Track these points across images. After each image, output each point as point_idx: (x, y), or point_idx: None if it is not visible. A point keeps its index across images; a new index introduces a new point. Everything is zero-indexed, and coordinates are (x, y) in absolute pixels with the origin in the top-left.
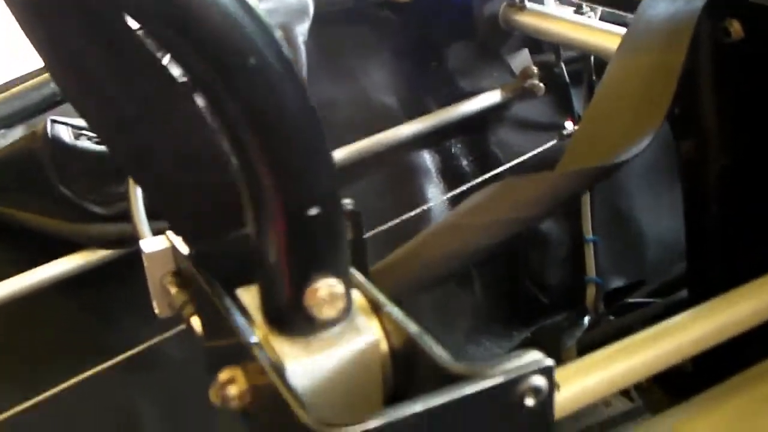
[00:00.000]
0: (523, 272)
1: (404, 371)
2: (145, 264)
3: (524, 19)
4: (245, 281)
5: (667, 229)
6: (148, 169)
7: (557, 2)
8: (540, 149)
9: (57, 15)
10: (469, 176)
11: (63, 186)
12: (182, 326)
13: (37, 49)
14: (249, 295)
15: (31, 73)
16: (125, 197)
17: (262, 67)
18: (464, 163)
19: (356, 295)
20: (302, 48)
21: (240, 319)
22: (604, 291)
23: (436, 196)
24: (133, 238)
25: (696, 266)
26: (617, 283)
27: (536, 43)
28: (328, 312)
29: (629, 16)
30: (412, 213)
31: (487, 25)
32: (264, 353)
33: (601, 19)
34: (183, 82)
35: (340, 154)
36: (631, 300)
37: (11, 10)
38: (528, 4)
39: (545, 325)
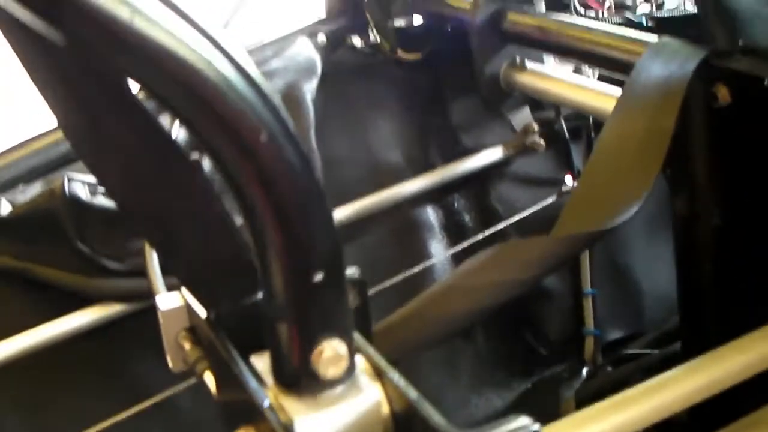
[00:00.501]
0: (524, 324)
1: None
2: (161, 320)
3: (524, 79)
4: (259, 344)
5: (664, 282)
6: (159, 231)
7: (557, 62)
8: (539, 206)
9: (71, 79)
10: (471, 231)
11: (79, 241)
12: (194, 379)
13: (51, 108)
14: (261, 360)
15: (49, 131)
16: (139, 253)
17: (273, 144)
18: (466, 218)
19: (361, 359)
20: (310, 105)
21: (253, 383)
22: (602, 342)
23: (438, 251)
24: (147, 293)
25: (689, 320)
26: (615, 334)
27: (537, 100)
28: (332, 371)
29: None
30: (416, 269)
31: (489, 84)
32: (275, 415)
33: (599, 78)
34: (195, 159)
35: (346, 211)
36: (628, 351)
37: (27, 70)
38: (528, 64)
39: (545, 376)
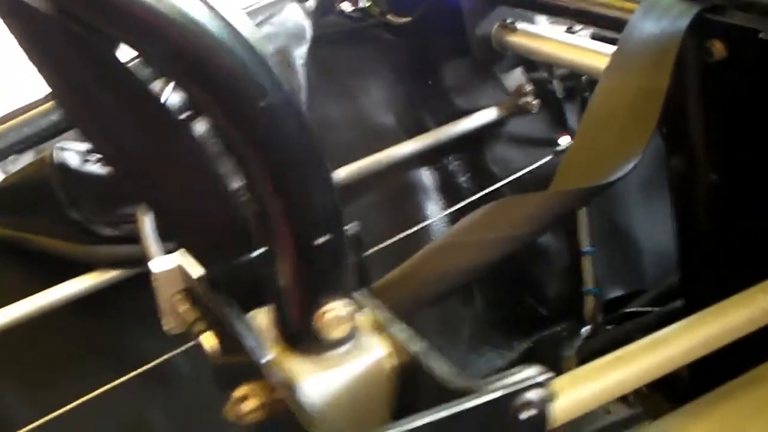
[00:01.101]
0: (523, 284)
1: (409, 387)
2: (154, 283)
3: (516, 39)
4: (257, 301)
5: (663, 240)
6: (154, 195)
7: (549, 21)
8: (535, 165)
9: (61, 49)
10: (466, 193)
11: (72, 209)
12: (191, 343)
13: (44, 77)
14: (262, 317)
15: (39, 100)
16: (134, 219)
17: (272, 109)
18: (461, 179)
19: (363, 315)
20: (301, 70)
21: (252, 340)
22: (601, 301)
23: (434, 212)
24: (142, 259)
25: (688, 277)
26: (614, 293)
27: (530, 60)
28: (335, 333)
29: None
30: (412, 230)
31: (481, 45)
32: (275, 372)
33: (593, 37)
34: (183, 119)
35: (340, 174)
36: (628, 310)
37: (18, 40)
38: (519, 25)
39: (545, 335)
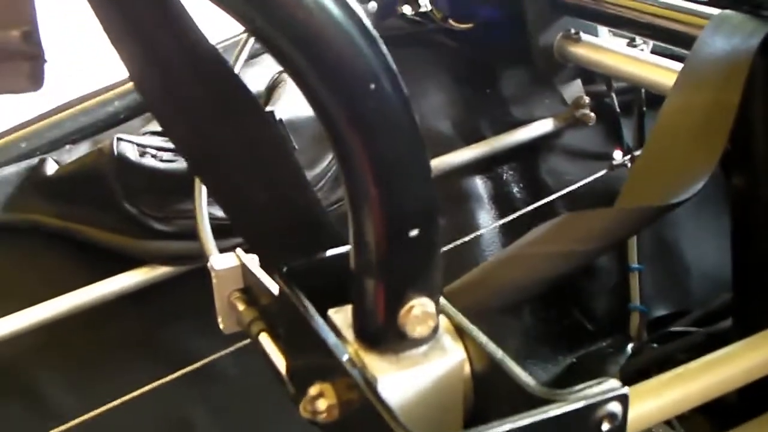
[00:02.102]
0: (570, 299)
1: (485, 392)
2: (214, 281)
3: (579, 50)
4: (332, 300)
5: (712, 260)
6: (228, 186)
7: (611, 34)
8: (590, 179)
9: (148, 36)
10: (519, 203)
11: (127, 203)
12: (242, 342)
13: (123, 57)
14: (339, 316)
15: (96, 90)
16: (187, 215)
17: (381, 93)
18: (515, 190)
19: (442, 318)
20: None
21: (332, 338)
22: (647, 319)
23: (486, 222)
24: (195, 255)
25: (742, 298)
26: (661, 311)
27: (588, 73)
28: (420, 330)
29: (682, 51)
30: (464, 239)
31: (543, 55)
32: (357, 370)
33: (652, 52)
34: (269, 111)
35: None
36: (674, 329)
37: (100, 19)
38: (583, 36)
39: (590, 351)
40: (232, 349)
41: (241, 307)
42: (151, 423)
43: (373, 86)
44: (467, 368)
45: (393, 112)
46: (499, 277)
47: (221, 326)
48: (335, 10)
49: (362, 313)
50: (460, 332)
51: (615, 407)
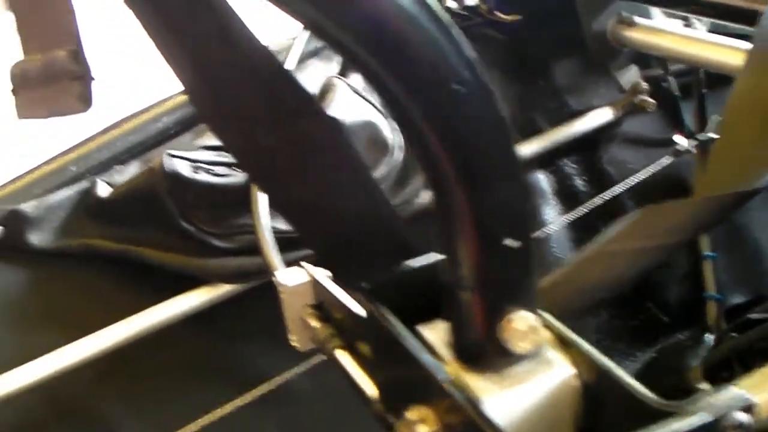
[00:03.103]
0: (643, 292)
1: (595, 406)
2: (283, 298)
3: (634, 34)
4: (417, 314)
5: None
6: (299, 202)
7: (665, 16)
8: (654, 166)
9: (199, 35)
10: (584, 195)
11: (183, 220)
12: (313, 360)
13: (174, 68)
14: (432, 332)
15: (143, 109)
16: (246, 230)
17: (467, 93)
18: (578, 182)
19: (544, 330)
20: None
21: (428, 357)
22: (724, 307)
23: (552, 216)
24: (257, 272)
25: None
26: (737, 299)
27: (642, 57)
28: (523, 345)
29: (740, 27)
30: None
31: (597, 41)
32: (459, 391)
33: (709, 30)
34: (336, 118)
35: None
36: (752, 316)
37: (149, 30)
38: (636, 19)
39: (668, 344)
40: (302, 367)
41: (314, 323)
42: None
43: (455, 86)
44: (576, 382)
45: (480, 112)
46: (581, 277)
47: (295, 344)
48: (410, 5)
49: (460, 329)
50: (564, 343)
51: (742, 417)
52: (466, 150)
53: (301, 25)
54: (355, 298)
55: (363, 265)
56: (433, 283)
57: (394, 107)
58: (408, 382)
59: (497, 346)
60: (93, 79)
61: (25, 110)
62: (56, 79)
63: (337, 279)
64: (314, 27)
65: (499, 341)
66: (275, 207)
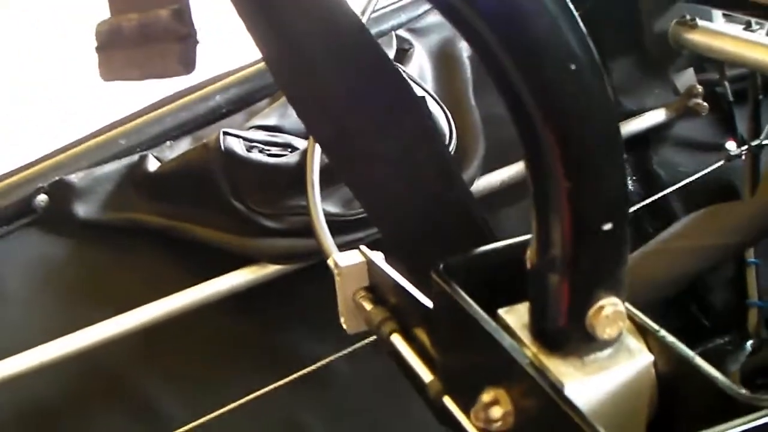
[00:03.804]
0: (687, 294)
1: (672, 395)
2: (337, 279)
3: (695, 37)
4: (494, 298)
5: None
6: (374, 183)
7: (725, 20)
8: (705, 171)
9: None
10: (633, 196)
11: (235, 199)
12: (358, 344)
13: (260, 45)
14: (512, 316)
15: (197, 84)
16: (297, 211)
17: (581, 73)
18: (629, 182)
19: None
20: (467, 63)
21: (507, 339)
22: (765, 314)
23: None
24: (305, 253)
25: None
26: None
27: (699, 61)
28: (610, 331)
29: None
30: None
31: (657, 42)
32: (540, 374)
33: None
34: (420, 96)
35: (507, 172)
36: None
37: (235, 5)
38: (698, 22)
39: (708, 348)
40: (345, 352)
41: (368, 306)
42: (264, 429)
43: (573, 66)
44: (655, 371)
45: (593, 96)
46: (641, 273)
47: (345, 326)
48: None
49: (544, 313)
50: (643, 331)
51: None
52: (573, 131)
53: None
54: (424, 282)
55: (437, 247)
56: (508, 268)
57: (500, 82)
58: (482, 366)
59: (582, 331)
60: (198, 41)
61: (112, 71)
62: (156, 39)
63: (406, 261)
64: None
65: (585, 327)
66: (349, 185)
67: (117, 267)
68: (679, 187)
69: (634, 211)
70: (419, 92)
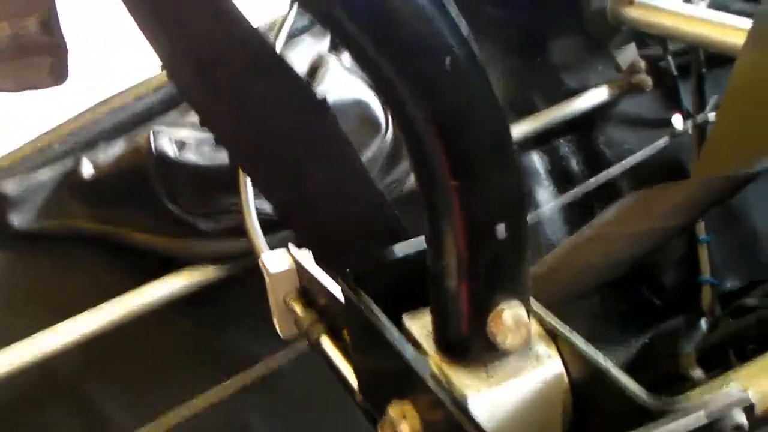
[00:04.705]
0: (637, 275)
1: (585, 405)
2: (268, 282)
3: (634, 12)
4: (403, 303)
5: None
6: (283, 186)
7: None
8: (651, 147)
9: (183, 18)
10: (578, 176)
11: (169, 201)
12: (301, 344)
13: (156, 51)
14: (416, 323)
15: (128, 88)
16: (232, 210)
17: (457, 66)
18: (573, 163)
19: (532, 321)
20: None
21: (410, 350)
22: (719, 292)
23: (546, 199)
24: (244, 254)
25: None
26: (733, 283)
27: (641, 35)
28: (512, 339)
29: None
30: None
31: (596, 19)
32: (442, 387)
33: (709, 7)
34: (323, 98)
35: None
36: (747, 301)
37: (128, 8)
38: None
39: (661, 329)
40: (290, 351)
41: (298, 309)
42: (207, 430)
43: (448, 60)
44: (565, 379)
45: (472, 90)
46: (575, 262)
47: (279, 331)
48: None
49: (444, 321)
50: (554, 336)
51: (740, 417)
52: (456, 131)
53: (289, 1)
54: (338, 285)
55: (347, 251)
56: (420, 271)
57: (379, 83)
58: (390, 375)
59: (484, 340)
60: (67, 51)
61: None
62: (27, 51)
63: (321, 262)
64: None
65: (486, 335)
66: (257, 188)
67: (55, 276)
68: (626, 165)
69: (581, 192)
70: (355, 81)
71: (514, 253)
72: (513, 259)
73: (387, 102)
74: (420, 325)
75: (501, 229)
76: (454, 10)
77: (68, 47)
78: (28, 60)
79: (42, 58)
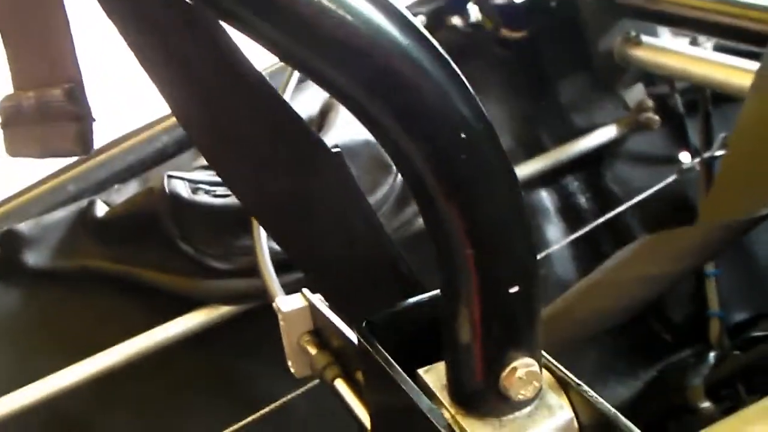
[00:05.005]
0: (646, 310)
1: None
2: (282, 324)
3: (641, 53)
4: (417, 353)
5: None
6: (297, 235)
7: (672, 35)
8: (659, 185)
9: (191, 65)
10: (587, 214)
11: (182, 242)
12: (314, 382)
13: (165, 98)
14: (431, 376)
15: (142, 127)
16: (246, 251)
17: (473, 140)
18: (582, 200)
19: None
20: None
21: (426, 401)
22: (727, 325)
23: (556, 237)
24: (257, 294)
25: None
26: (740, 316)
27: (648, 74)
28: (524, 392)
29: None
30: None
31: (603, 60)
32: None
33: (715, 49)
34: (337, 151)
35: None
36: (755, 334)
37: (137, 56)
38: (643, 38)
39: (670, 362)
40: (304, 389)
41: (312, 351)
42: None
43: (463, 135)
44: (576, 426)
45: (488, 163)
46: (586, 305)
47: (293, 370)
48: (412, 43)
49: (459, 375)
50: (564, 386)
51: None
52: (473, 198)
53: None
54: (353, 332)
55: (361, 302)
56: (434, 322)
57: (395, 154)
58: (405, 422)
59: (497, 393)
60: (94, 120)
61: (17, 147)
62: (52, 118)
63: (334, 309)
64: (316, 77)
65: (499, 389)
66: (271, 237)
67: (70, 315)
68: (635, 203)
69: (590, 230)
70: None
71: (527, 312)
72: (525, 316)
73: (404, 175)
74: (435, 377)
75: (514, 289)
76: (468, 85)
77: (94, 117)
78: (53, 126)
79: (67, 124)
